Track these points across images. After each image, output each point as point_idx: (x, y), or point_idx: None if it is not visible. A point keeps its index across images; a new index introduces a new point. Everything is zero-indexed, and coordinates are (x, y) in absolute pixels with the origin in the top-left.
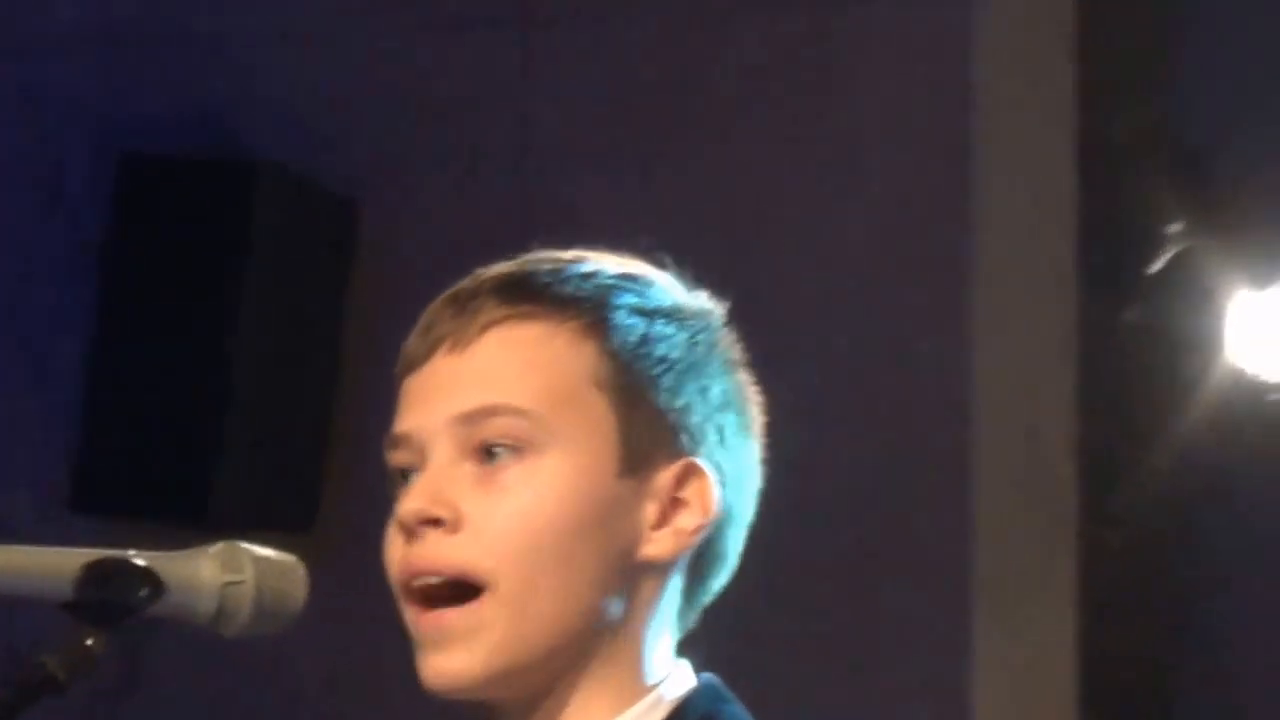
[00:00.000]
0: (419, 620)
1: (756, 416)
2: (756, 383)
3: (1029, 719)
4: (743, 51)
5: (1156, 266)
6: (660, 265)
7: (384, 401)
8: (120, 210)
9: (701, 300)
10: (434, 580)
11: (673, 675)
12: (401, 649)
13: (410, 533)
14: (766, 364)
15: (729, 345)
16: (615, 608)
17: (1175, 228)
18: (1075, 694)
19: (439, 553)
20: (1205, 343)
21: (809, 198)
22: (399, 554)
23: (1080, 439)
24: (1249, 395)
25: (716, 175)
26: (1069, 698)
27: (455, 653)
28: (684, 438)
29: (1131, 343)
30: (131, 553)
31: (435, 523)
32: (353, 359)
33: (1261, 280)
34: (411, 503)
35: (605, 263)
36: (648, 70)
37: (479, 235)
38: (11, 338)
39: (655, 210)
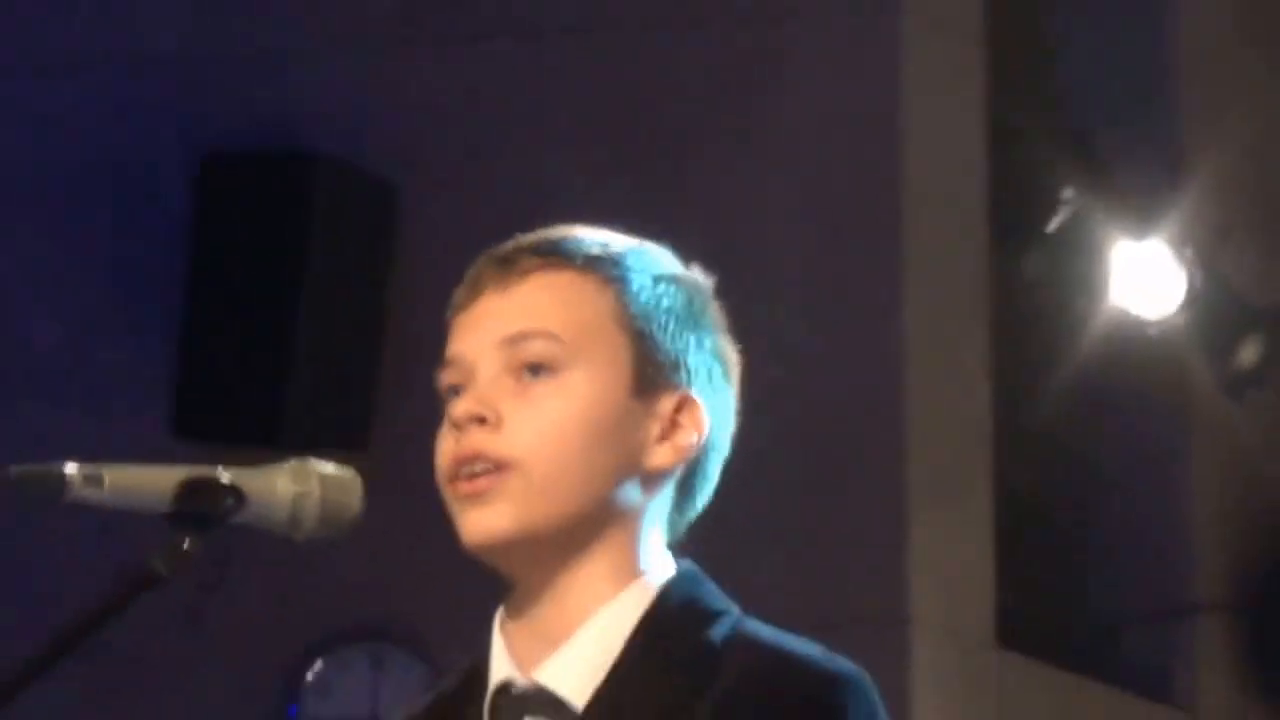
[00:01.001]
0: (460, 488)
1: (735, 370)
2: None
3: (955, 599)
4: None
5: (1053, 225)
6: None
7: (424, 347)
8: (205, 194)
9: (696, 273)
10: (477, 468)
11: (659, 565)
12: (439, 549)
13: (460, 429)
14: (738, 313)
15: (716, 310)
16: (620, 502)
17: (1068, 193)
18: (994, 579)
19: (482, 444)
20: (1093, 286)
21: (755, 176)
22: (450, 447)
23: (995, 367)
24: (1129, 329)
25: (687, 174)
26: (988, 582)
27: (489, 509)
28: (683, 375)
29: (1034, 287)
30: (219, 469)
31: (481, 421)
32: (396, 311)
33: (1139, 234)
34: (463, 405)
35: (620, 238)
36: (622, 82)
37: (495, 209)
38: (119, 303)
39: (633, 202)
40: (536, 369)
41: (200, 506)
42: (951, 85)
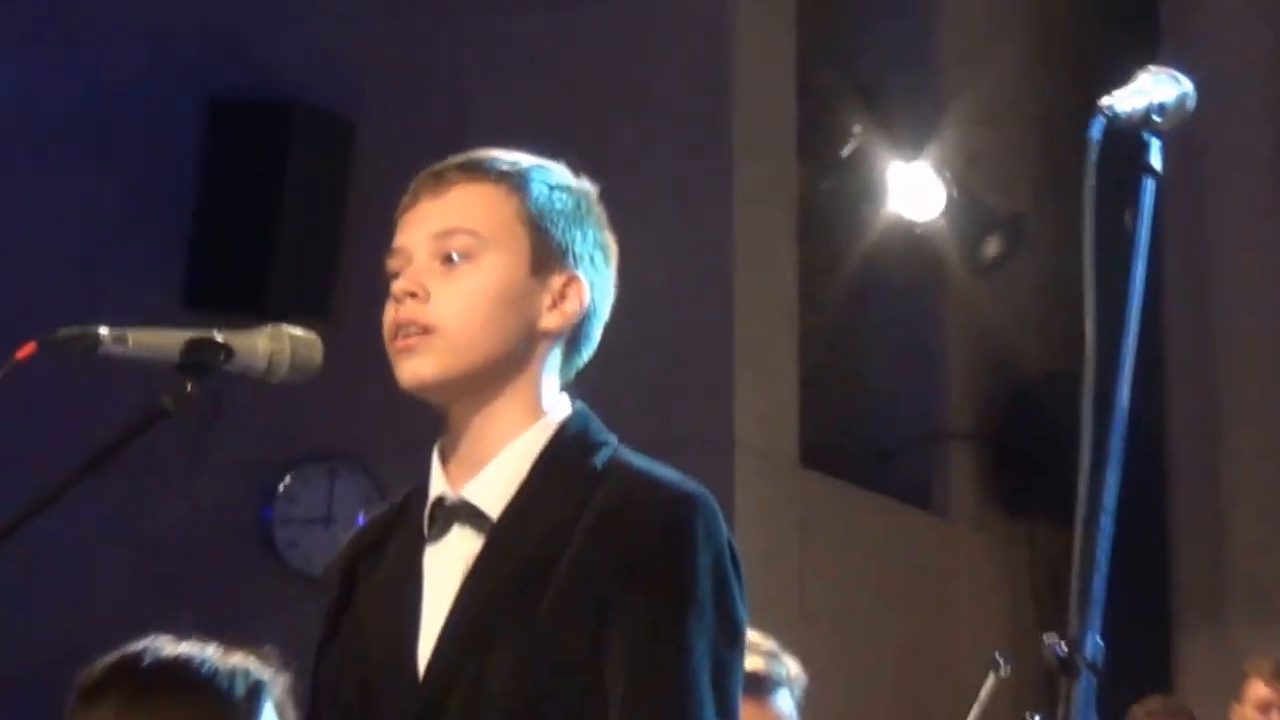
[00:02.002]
0: (396, 345)
1: (613, 256)
2: None
3: (768, 428)
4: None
5: (845, 151)
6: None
7: (372, 243)
8: (212, 131)
9: (584, 182)
10: (410, 331)
11: (558, 406)
12: (381, 391)
13: (399, 301)
14: (615, 210)
15: (599, 210)
16: (521, 356)
17: (856, 128)
18: (798, 412)
19: (413, 313)
20: (875, 197)
21: (626, 114)
22: (391, 315)
23: (800, 259)
24: (901, 229)
25: (578, 111)
26: (794, 415)
27: (417, 359)
28: (570, 259)
29: (830, 197)
30: (215, 332)
31: (413, 295)
32: (352, 217)
33: (909, 158)
34: (400, 283)
35: (527, 157)
36: (533, 46)
37: (430, 139)
38: (143, 210)
39: (537, 134)
40: (458, 256)
41: (200, 359)
42: (769, 48)
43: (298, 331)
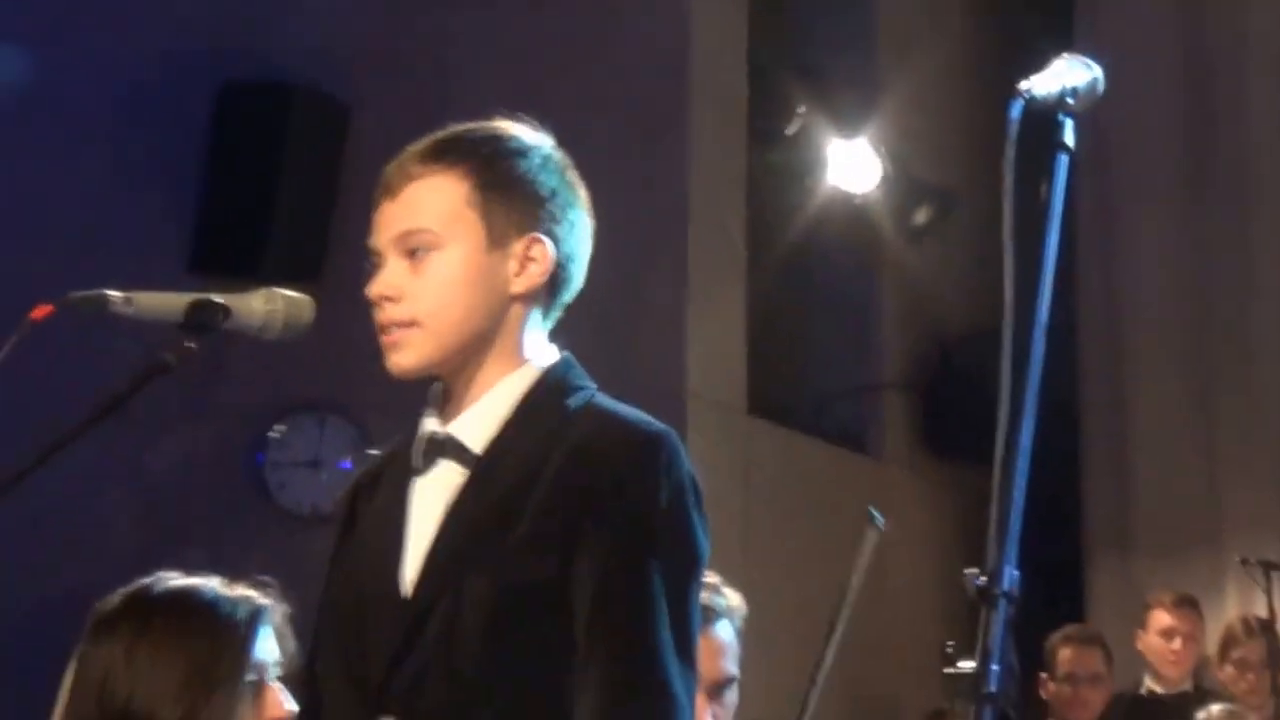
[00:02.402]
0: (383, 340)
1: (584, 200)
2: None
3: (718, 378)
4: None
5: (790, 129)
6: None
7: (360, 215)
8: (220, 111)
9: (543, 139)
10: (391, 330)
11: (542, 354)
12: (365, 348)
13: (377, 306)
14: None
15: (561, 163)
16: (498, 321)
17: (800, 107)
18: (745, 363)
19: (390, 316)
20: (817, 170)
21: (594, 90)
22: (376, 315)
23: (748, 226)
24: (841, 199)
25: (553, 81)
26: (742, 366)
27: (399, 354)
28: (530, 221)
29: (777, 170)
30: (214, 295)
31: (389, 299)
32: (343, 191)
33: (849, 135)
34: (374, 289)
35: (483, 128)
36: (511, 30)
37: (414, 116)
38: (154, 183)
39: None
40: (421, 250)
41: (201, 319)
42: (723, 33)
43: (291, 293)
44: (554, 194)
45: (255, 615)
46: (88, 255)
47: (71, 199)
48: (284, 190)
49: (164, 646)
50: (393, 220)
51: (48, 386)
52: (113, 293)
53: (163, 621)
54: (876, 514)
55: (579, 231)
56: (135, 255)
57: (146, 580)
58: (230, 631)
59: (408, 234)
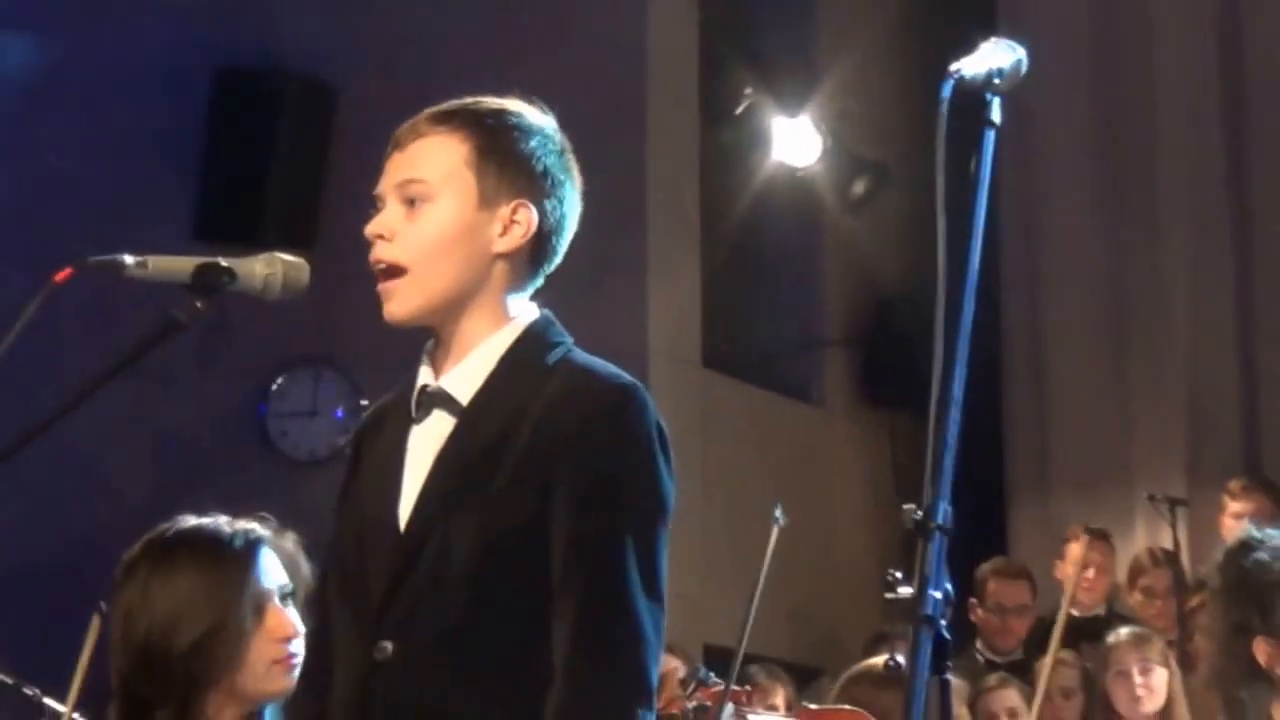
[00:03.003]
0: (379, 288)
1: (576, 181)
2: None
3: (677, 335)
4: None
5: (739, 109)
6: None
7: (349, 188)
8: (218, 94)
9: (547, 121)
10: (381, 267)
11: (525, 312)
12: (357, 308)
13: (372, 241)
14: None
15: (561, 144)
16: (483, 276)
17: (748, 89)
18: (701, 321)
19: (381, 253)
20: (764, 146)
21: (564, 77)
22: (371, 252)
23: (702, 198)
24: (785, 172)
25: (530, 70)
26: (698, 323)
27: (391, 303)
28: (520, 189)
29: (727, 146)
30: (219, 259)
31: (381, 237)
32: (334, 167)
33: (792, 114)
34: (371, 227)
35: (493, 102)
36: (492, 18)
37: (397, 101)
38: (161, 158)
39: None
40: (417, 200)
41: (208, 280)
42: (677, 22)
43: (289, 258)
44: (546, 170)
45: (254, 544)
46: (103, 225)
47: (88, 175)
48: (278, 165)
49: (173, 578)
50: (397, 169)
51: (70, 343)
52: (127, 257)
53: (171, 557)
54: (779, 512)
55: (566, 208)
56: (146, 224)
57: (163, 526)
58: (231, 560)
59: (408, 182)
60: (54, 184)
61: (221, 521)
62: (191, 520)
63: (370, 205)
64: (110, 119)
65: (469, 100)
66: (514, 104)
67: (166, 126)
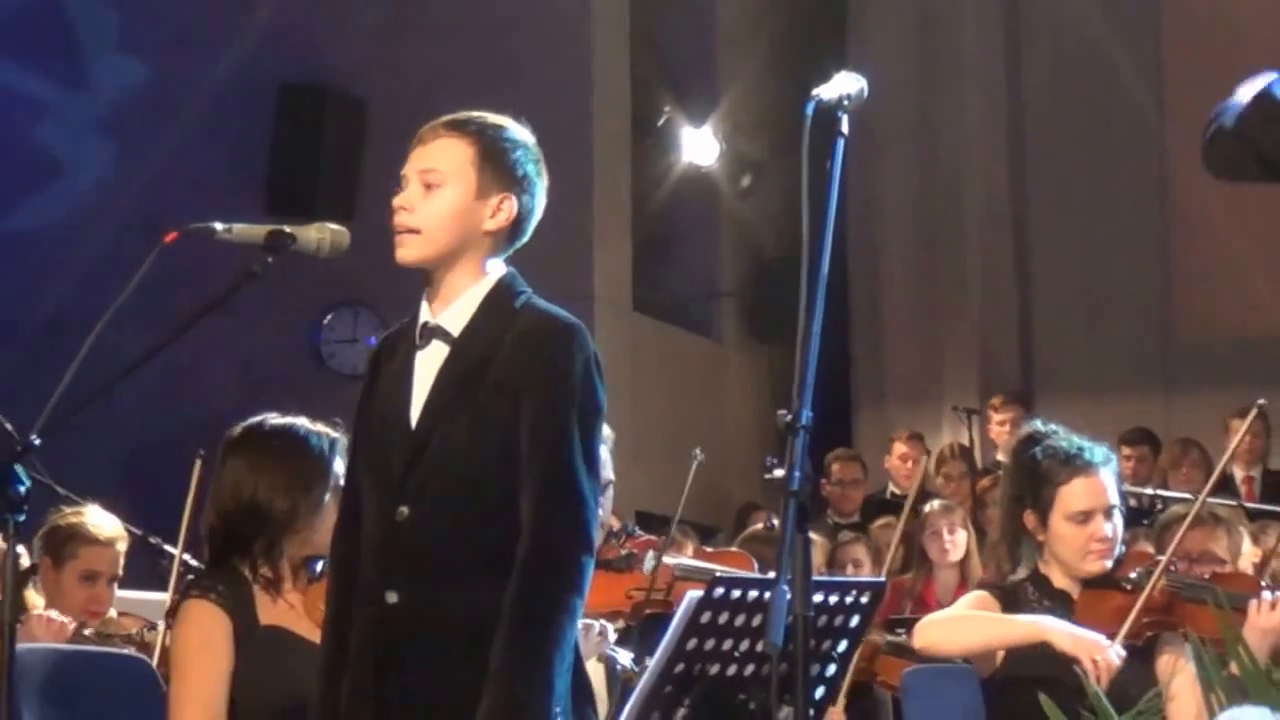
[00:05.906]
0: (397, 239)
1: (542, 180)
2: None
3: (611, 283)
4: None
5: (659, 122)
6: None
7: (379, 175)
8: (279, 106)
9: (529, 136)
10: (402, 229)
11: (498, 270)
12: (383, 262)
13: (396, 212)
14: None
15: (537, 154)
16: (472, 244)
17: (665, 106)
18: (631, 272)
19: (403, 221)
20: (677, 150)
21: (521, 96)
22: (394, 219)
23: (633, 185)
24: (692, 170)
25: (512, 90)
26: (628, 273)
27: (404, 249)
28: (507, 185)
29: (650, 153)
30: (284, 227)
31: (404, 209)
32: (368, 161)
33: (697, 124)
34: (397, 200)
35: (495, 118)
36: (482, 35)
37: (418, 111)
38: (241, 152)
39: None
40: (432, 184)
41: (276, 242)
42: (611, 51)
43: (335, 226)
44: (526, 174)
45: (333, 444)
46: (198, 202)
47: (185, 169)
48: (326, 158)
49: (276, 460)
50: (420, 158)
51: (174, 290)
52: (218, 224)
53: (273, 444)
54: (699, 451)
55: (536, 203)
56: (229, 202)
57: (256, 419)
58: (318, 453)
59: (427, 170)
60: (161, 172)
61: (307, 422)
62: (280, 418)
63: (396, 184)
64: (201, 123)
65: (476, 114)
66: (507, 120)
67: (242, 128)
